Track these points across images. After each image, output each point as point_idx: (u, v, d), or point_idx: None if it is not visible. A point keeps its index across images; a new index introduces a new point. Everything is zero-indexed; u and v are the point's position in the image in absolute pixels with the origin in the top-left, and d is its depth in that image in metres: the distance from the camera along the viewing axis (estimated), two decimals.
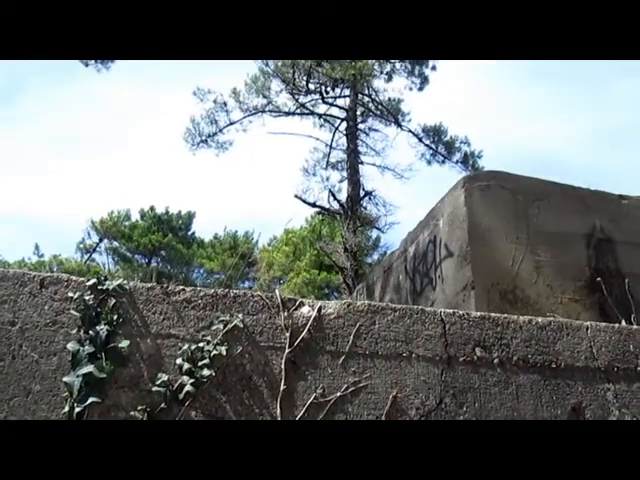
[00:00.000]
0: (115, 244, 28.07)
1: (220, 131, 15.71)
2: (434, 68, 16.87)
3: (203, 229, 32.21)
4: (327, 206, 15.38)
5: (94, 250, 28.07)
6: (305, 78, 15.09)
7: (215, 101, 15.42)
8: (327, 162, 16.13)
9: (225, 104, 15.39)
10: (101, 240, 28.18)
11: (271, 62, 14.90)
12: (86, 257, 27.59)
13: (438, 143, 16.59)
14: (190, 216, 29.30)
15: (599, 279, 3.69)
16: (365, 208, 15.22)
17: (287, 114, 15.61)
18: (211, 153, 15.92)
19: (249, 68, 15.56)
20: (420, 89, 17.01)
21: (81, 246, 27.83)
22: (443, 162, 16.69)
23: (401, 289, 4.59)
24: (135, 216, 28.75)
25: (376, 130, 16.15)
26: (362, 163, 15.52)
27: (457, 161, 16.61)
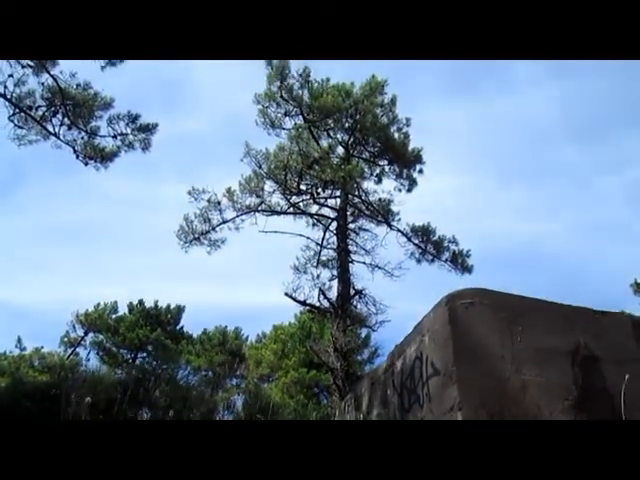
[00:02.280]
0: (100, 337, 27.55)
1: (213, 229, 15.99)
2: (421, 171, 17.59)
3: (192, 324, 31.77)
4: (317, 304, 15.36)
5: (78, 344, 27.48)
6: (297, 180, 15.62)
7: (209, 200, 15.82)
8: (318, 260, 16.32)
9: (219, 203, 15.78)
10: (86, 333, 27.67)
11: (264, 164, 15.50)
12: (70, 351, 26.96)
13: (427, 242, 16.93)
14: (179, 310, 29.05)
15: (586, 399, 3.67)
16: (355, 306, 15.21)
17: (279, 213, 15.99)
18: (203, 250, 16.09)
19: (243, 169, 16.13)
20: (409, 190, 17.64)
21: (65, 339, 27.27)
22: (432, 261, 16.95)
23: (389, 403, 4.52)
24: (123, 309, 28.47)
25: (366, 230, 16.53)
26: (352, 262, 15.73)
27: (446, 260, 16.87)
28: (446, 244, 16.82)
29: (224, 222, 15.88)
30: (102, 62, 13.00)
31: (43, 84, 13.24)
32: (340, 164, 15.64)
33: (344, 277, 15.32)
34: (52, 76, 12.85)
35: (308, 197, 16.25)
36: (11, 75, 12.70)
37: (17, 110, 13.25)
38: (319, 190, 15.93)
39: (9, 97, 12.82)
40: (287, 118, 16.71)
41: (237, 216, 15.84)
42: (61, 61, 12.85)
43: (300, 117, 16.38)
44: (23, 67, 13.17)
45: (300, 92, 16.29)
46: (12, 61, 12.87)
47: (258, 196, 15.93)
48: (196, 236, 15.93)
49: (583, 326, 4.10)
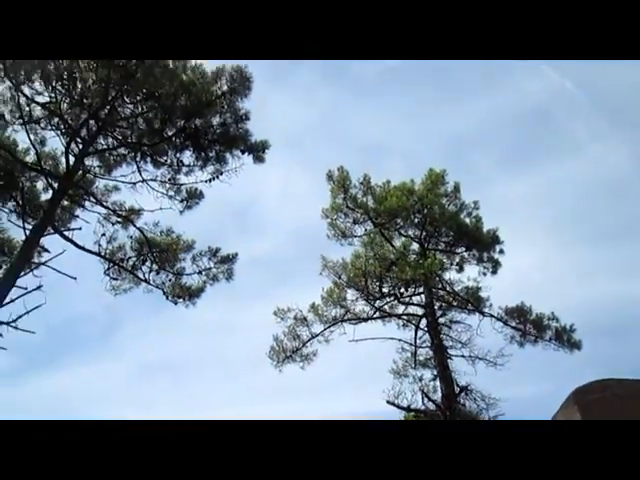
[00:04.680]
0: None
1: (303, 345, 15.95)
2: (502, 251, 17.13)
3: None
4: (422, 408, 14.55)
5: None
6: (378, 284, 15.57)
7: (295, 317, 15.96)
8: (415, 361, 15.74)
9: (305, 319, 15.87)
10: None
11: (343, 274, 15.64)
12: None
13: (525, 323, 16.03)
14: None
15: None
16: (463, 404, 14.28)
17: (366, 320, 15.82)
18: (297, 366, 15.99)
19: (323, 282, 16.31)
20: (493, 272, 17.11)
21: None
22: (535, 341, 15.93)
23: None
24: None
25: (458, 322, 15.93)
26: (450, 357, 15.02)
27: (550, 339, 15.81)
28: (546, 322, 15.86)
29: (313, 337, 15.85)
30: (180, 207, 14.04)
31: (131, 237, 14.34)
32: (418, 260, 15.54)
33: (445, 375, 14.58)
34: (138, 228, 13.89)
35: (392, 299, 16.07)
36: (104, 234, 13.86)
37: (111, 264, 14.28)
38: (402, 290, 15.74)
39: (103, 254, 13.89)
40: (356, 226, 17.07)
41: (325, 329, 15.81)
42: (145, 212, 13.93)
43: (369, 222, 16.69)
44: (113, 224, 14.43)
45: (364, 199, 16.74)
46: (102, 219, 14.12)
47: (342, 306, 15.93)
48: (288, 354, 15.91)
49: None
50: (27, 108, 12.27)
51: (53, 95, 12.18)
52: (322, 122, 32.36)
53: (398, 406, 14.49)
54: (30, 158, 12.97)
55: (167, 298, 15.51)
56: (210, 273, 14.39)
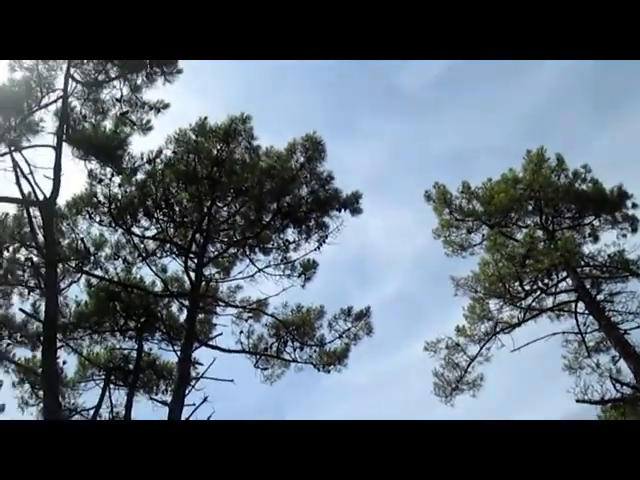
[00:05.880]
0: None
1: (465, 371, 15.34)
2: (635, 205, 15.72)
3: None
4: (617, 396, 13.29)
5: None
6: (517, 284, 14.78)
7: (447, 346, 15.47)
8: (587, 349, 14.57)
9: (458, 344, 15.33)
10: None
11: (479, 287, 15.02)
12: None
13: None
14: None
15: None
16: None
17: (519, 324, 14.98)
18: (466, 395, 15.37)
19: (461, 301, 15.74)
20: (634, 230, 15.69)
21: None
22: None
23: None
24: None
25: (618, 293, 14.61)
26: (627, 332, 13.72)
27: None
28: None
29: (472, 360, 15.21)
30: (300, 281, 14.33)
31: (267, 325, 14.79)
32: (549, 246, 14.61)
33: (629, 352, 13.29)
34: (270, 315, 14.34)
35: (538, 293, 15.12)
36: (241, 331, 14.42)
37: (258, 356, 14.76)
38: (545, 281, 14.80)
39: (248, 349, 14.41)
40: (472, 235, 16.49)
41: (481, 348, 15.15)
42: (271, 298, 14.36)
43: (484, 227, 16.06)
44: (246, 320, 15.00)
45: (470, 206, 16.20)
46: (235, 318, 14.73)
47: (489, 319, 15.23)
48: (453, 385, 15.35)
49: None
50: (142, 245, 13.32)
51: (158, 226, 13.14)
52: (394, 153, 32.30)
53: (591, 402, 13.34)
54: (158, 287, 13.96)
55: (318, 370, 15.70)
56: (350, 334, 14.40)
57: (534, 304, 15.37)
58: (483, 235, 16.13)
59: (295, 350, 15.53)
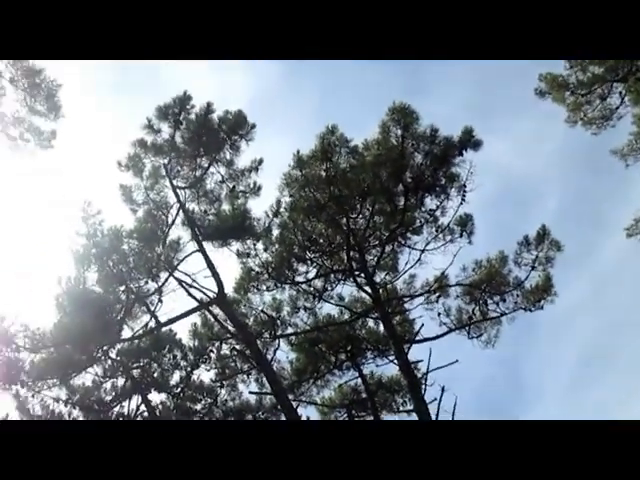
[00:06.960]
0: None
1: None
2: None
3: None
4: None
5: None
6: None
7: None
8: None
9: None
10: None
11: None
12: None
13: None
14: None
15: None
16: None
17: None
18: None
19: (636, 171, 14.07)
20: None
21: None
22: None
23: None
24: None
25: None
26: None
27: None
28: None
29: None
30: (464, 240, 13.86)
31: (458, 296, 14.47)
32: None
33: None
34: (457, 284, 14.07)
35: None
36: (439, 313, 14.26)
37: (467, 328, 14.44)
38: None
39: (454, 327, 14.19)
40: (607, 100, 14.82)
41: None
42: (448, 270, 14.07)
43: (615, 85, 14.35)
44: (436, 301, 14.79)
45: (588, 73, 14.63)
46: (423, 304, 14.60)
47: None
48: None
49: None
50: (311, 288, 13.92)
51: (315, 264, 13.66)
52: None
53: None
54: (346, 315, 14.40)
55: (531, 311, 14.86)
56: (541, 260, 13.64)
57: None
58: (620, 93, 14.39)
59: (498, 304, 14.94)
